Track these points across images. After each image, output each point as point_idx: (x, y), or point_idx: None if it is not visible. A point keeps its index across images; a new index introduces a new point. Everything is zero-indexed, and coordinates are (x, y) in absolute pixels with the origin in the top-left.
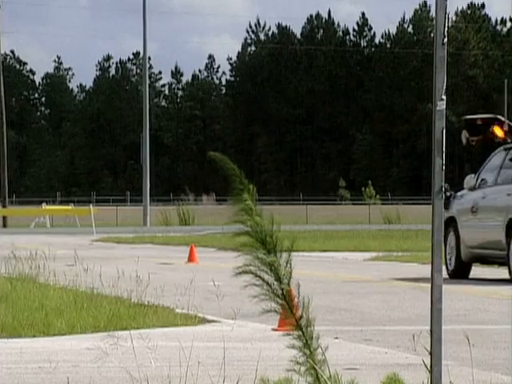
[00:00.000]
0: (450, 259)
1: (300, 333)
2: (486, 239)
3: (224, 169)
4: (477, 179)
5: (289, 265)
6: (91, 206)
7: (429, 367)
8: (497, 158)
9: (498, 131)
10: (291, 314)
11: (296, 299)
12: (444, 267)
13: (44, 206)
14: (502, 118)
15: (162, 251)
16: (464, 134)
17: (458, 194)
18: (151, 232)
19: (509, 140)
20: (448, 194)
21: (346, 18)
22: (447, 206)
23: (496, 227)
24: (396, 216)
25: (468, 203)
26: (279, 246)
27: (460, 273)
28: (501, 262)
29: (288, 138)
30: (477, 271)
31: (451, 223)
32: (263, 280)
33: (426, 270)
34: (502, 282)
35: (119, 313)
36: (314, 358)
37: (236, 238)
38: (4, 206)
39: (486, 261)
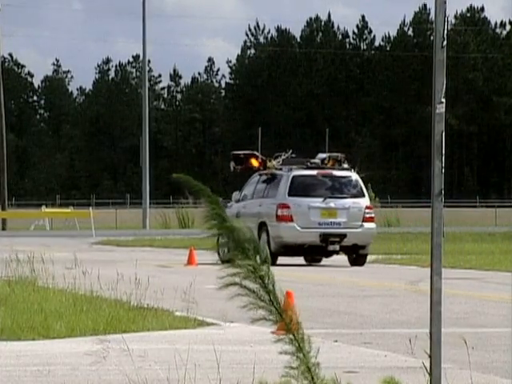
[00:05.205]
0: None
1: (292, 337)
2: None
3: (191, 187)
4: (240, 194)
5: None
6: (91, 208)
7: (428, 370)
8: (254, 180)
9: (254, 162)
10: (281, 318)
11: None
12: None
13: (43, 209)
14: (257, 154)
15: (162, 254)
16: (232, 164)
17: (228, 204)
18: (151, 235)
19: (261, 168)
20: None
21: (345, 20)
22: None
23: (252, 228)
24: (395, 219)
25: (234, 211)
26: (258, 251)
27: None
28: None
29: (288, 140)
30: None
31: None
32: (248, 289)
33: (425, 273)
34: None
35: (118, 316)
36: (307, 362)
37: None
38: (3, 209)
39: None
